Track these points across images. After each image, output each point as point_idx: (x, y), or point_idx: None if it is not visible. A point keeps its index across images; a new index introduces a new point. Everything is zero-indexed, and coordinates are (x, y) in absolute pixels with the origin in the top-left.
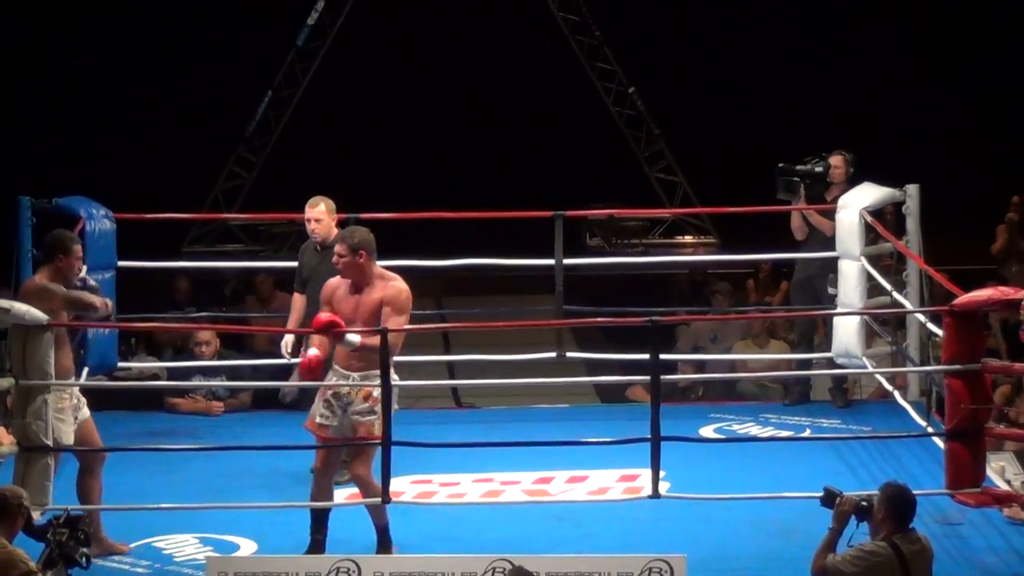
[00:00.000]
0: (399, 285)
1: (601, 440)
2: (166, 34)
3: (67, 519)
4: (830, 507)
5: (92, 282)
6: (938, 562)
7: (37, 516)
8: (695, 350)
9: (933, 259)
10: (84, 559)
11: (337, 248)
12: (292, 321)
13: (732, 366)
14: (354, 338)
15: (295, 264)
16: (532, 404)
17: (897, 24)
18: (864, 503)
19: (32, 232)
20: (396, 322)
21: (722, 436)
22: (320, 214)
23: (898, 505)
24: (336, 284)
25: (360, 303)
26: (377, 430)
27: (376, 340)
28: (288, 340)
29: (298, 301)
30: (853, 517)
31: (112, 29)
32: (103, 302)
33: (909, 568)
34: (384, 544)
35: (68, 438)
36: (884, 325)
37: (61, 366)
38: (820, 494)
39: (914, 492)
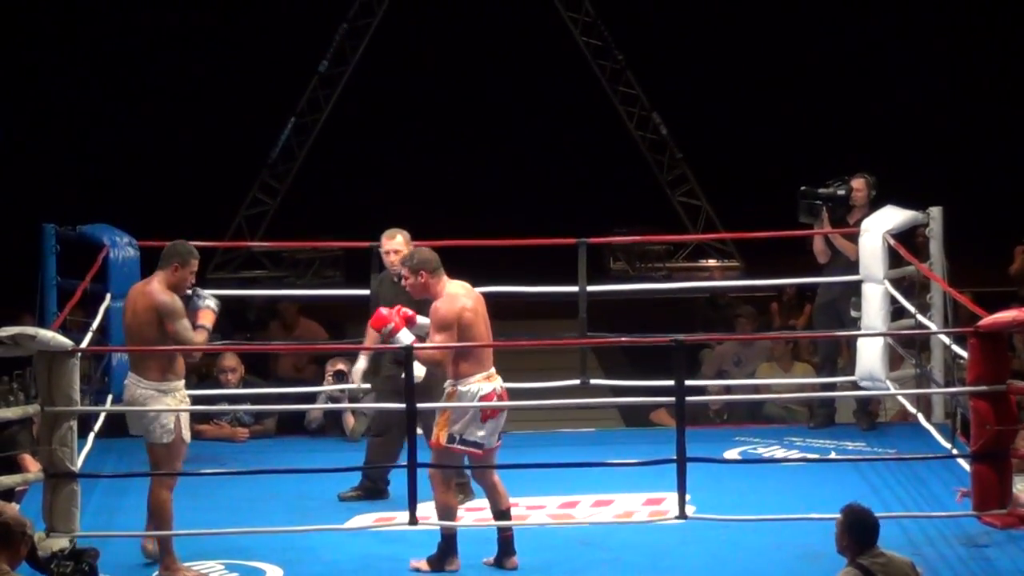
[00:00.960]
0: (438, 304)
1: (627, 462)
2: (189, 60)
3: (72, 551)
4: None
5: (204, 295)
6: None
7: (65, 544)
8: (719, 374)
9: (957, 281)
10: None
11: (403, 271)
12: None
13: (756, 389)
14: (405, 338)
15: (319, 291)
16: (556, 428)
17: (922, 46)
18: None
19: (56, 260)
20: (434, 339)
21: (747, 459)
22: (399, 245)
23: (858, 531)
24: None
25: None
26: (445, 439)
27: (422, 351)
28: (359, 368)
29: (373, 333)
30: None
31: (136, 56)
32: (204, 338)
33: None
34: (443, 551)
35: (188, 436)
36: (908, 348)
37: (179, 370)
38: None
39: (940, 515)
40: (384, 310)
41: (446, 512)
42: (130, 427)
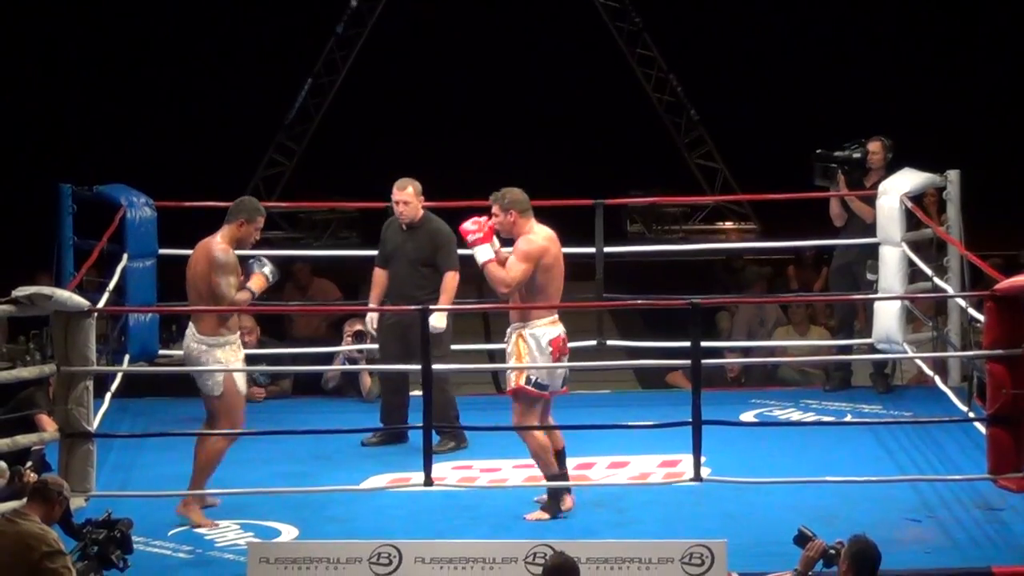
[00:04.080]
0: (532, 237)
1: (642, 424)
2: (206, 21)
3: (106, 520)
4: (801, 547)
5: (264, 262)
6: (979, 547)
7: (81, 503)
8: (748, 336)
9: (975, 245)
10: (121, 561)
11: (493, 209)
12: (374, 296)
13: (773, 353)
14: (481, 255)
15: (335, 252)
16: (573, 390)
17: (942, 5)
18: (832, 551)
19: (73, 220)
20: (516, 266)
21: (763, 421)
22: (408, 196)
23: (861, 561)
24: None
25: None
26: (523, 380)
27: (496, 271)
28: (372, 317)
29: (379, 276)
30: (821, 562)
31: (153, 16)
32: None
33: None
34: (552, 495)
35: (243, 388)
36: (925, 311)
37: (232, 324)
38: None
39: (955, 478)
40: (472, 223)
41: (541, 454)
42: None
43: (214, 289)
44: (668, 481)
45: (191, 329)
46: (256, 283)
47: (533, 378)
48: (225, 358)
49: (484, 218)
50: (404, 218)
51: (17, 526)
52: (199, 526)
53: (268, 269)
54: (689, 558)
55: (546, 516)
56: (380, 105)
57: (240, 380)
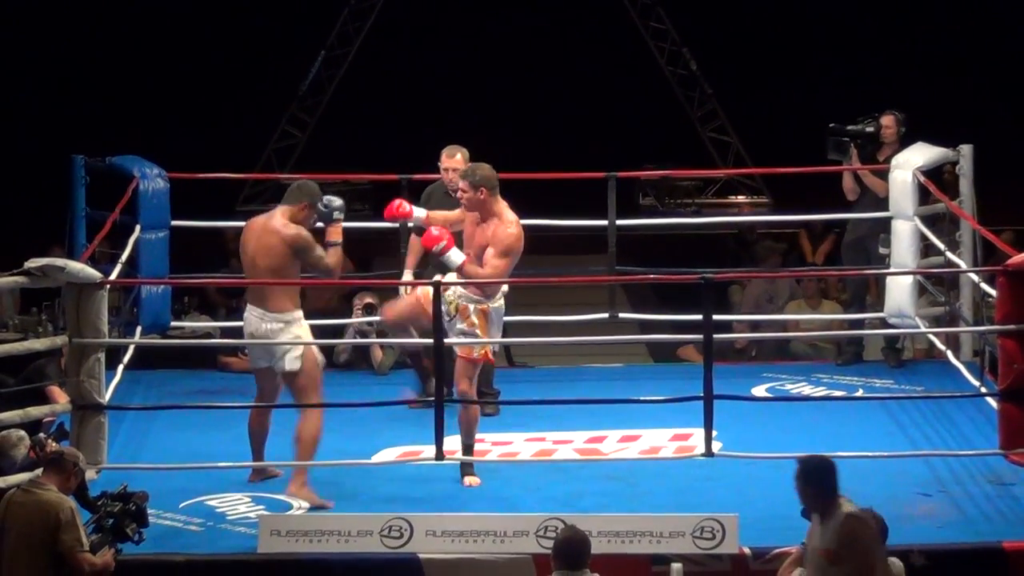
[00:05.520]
0: (510, 229)
1: (654, 398)
2: None
3: (122, 492)
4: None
5: (332, 206)
6: (991, 522)
7: (93, 475)
8: (756, 310)
9: (988, 219)
10: (136, 535)
11: (461, 185)
12: (410, 262)
13: (784, 326)
14: (456, 258)
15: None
16: (584, 363)
17: None
18: None
19: (85, 191)
20: (494, 263)
21: (774, 396)
22: (458, 163)
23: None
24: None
25: (476, 235)
26: (477, 353)
27: (475, 271)
28: (407, 278)
29: (416, 244)
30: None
31: None
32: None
33: None
34: (465, 465)
35: (322, 358)
36: (937, 285)
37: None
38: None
39: (967, 453)
40: (435, 229)
41: (474, 423)
42: (254, 361)
43: (315, 267)
44: (679, 455)
45: (257, 311)
46: (336, 234)
47: (495, 351)
48: (300, 333)
49: (441, 228)
50: (453, 185)
51: (35, 496)
52: (320, 506)
53: (337, 212)
54: (700, 532)
55: (478, 480)
56: (393, 77)
57: (318, 351)
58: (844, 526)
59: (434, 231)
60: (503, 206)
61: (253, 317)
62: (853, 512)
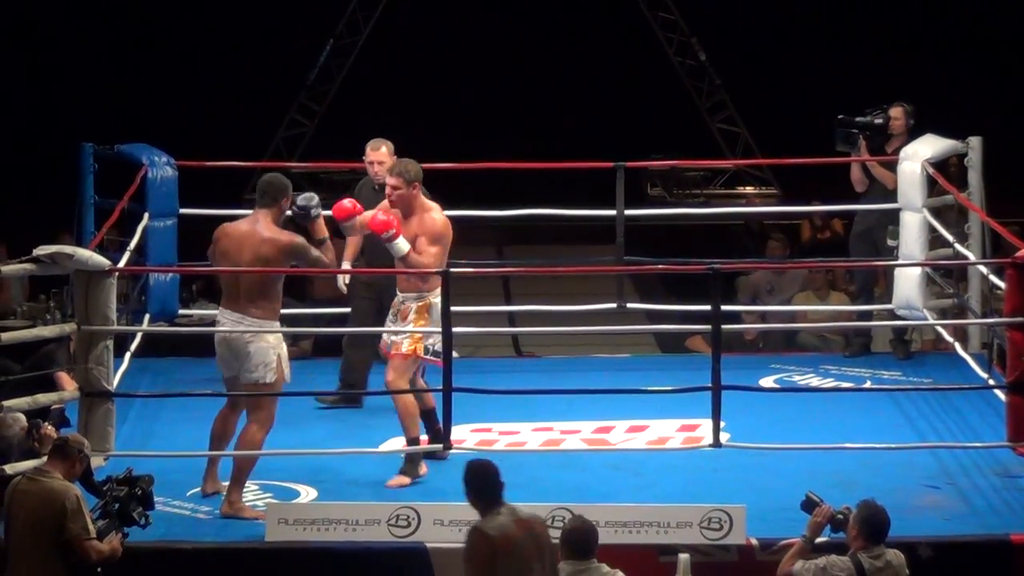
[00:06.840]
0: (436, 216)
1: (662, 388)
2: None
3: (127, 477)
4: (809, 513)
5: (308, 205)
6: (998, 515)
7: (100, 462)
8: (753, 302)
9: (996, 211)
10: (143, 518)
11: (392, 181)
12: (347, 255)
13: (792, 317)
14: (403, 245)
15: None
16: (592, 353)
17: None
18: (840, 515)
19: (94, 179)
20: (429, 251)
21: (782, 387)
22: (383, 156)
23: (870, 525)
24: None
25: (402, 230)
26: (406, 348)
27: (419, 260)
28: (346, 277)
29: (356, 238)
30: (828, 527)
31: None
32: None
33: None
34: (410, 458)
35: (289, 375)
36: (946, 277)
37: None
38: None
39: (975, 445)
40: (382, 215)
41: (410, 417)
42: (224, 369)
43: (312, 265)
44: (687, 446)
45: (233, 315)
46: (322, 230)
47: (431, 347)
48: (276, 341)
49: (389, 215)
50: (379, 178)
51: (40, 484)
52: (254, 518)
53: (314, 209)
54: (708, 522)
55: (407, 480)
56: (402, 66)
57: (287, 365)
58: (468, 535)
59: (381, 216)
60: (424, 199)
61: (229, 322)
62: (478, 525)
